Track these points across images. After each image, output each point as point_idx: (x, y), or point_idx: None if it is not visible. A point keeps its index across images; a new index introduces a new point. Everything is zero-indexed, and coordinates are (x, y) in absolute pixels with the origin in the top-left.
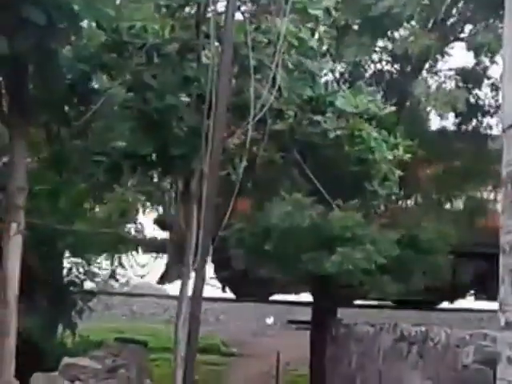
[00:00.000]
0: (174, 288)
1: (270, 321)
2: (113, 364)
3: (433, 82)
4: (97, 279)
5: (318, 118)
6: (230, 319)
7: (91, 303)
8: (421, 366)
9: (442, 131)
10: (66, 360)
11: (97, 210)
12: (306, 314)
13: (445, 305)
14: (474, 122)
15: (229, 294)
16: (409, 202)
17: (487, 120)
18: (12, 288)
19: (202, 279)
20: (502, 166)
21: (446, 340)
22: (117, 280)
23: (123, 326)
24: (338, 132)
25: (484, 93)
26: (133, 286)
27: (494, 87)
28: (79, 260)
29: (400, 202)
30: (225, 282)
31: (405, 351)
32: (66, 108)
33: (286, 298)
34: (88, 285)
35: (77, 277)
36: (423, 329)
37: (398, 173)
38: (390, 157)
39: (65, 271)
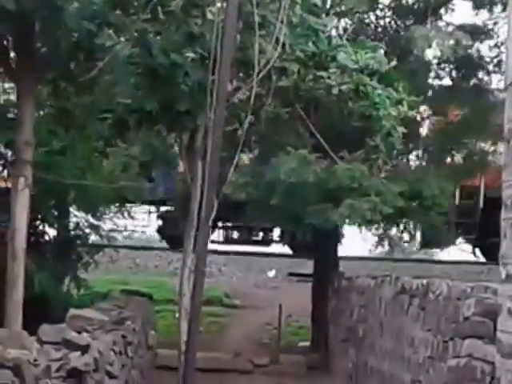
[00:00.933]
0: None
1: (271, 273)
2: (119, 316)
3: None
4: (102, 233)
5: (322, 73)
6: (232, 272)
7: (96, 256)
8: (422, 318)
9: (444, 87)
10: (73, 312)
11: (103, 165)
12: (307, 268)
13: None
14: (475, 77)
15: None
16: (410, 156)
17: (488, 76)
18: (20, 241)
19: (207, 232)
20: (505, 122)
21: (447, 292)
22: (121, 234)
23: (128, 278)
24: (342, 88)
25: (486, 48)
26: (136, 239)
27: (497, 44)
28: (84, 214)
29: (402, 157)
30: None
31: (406, 303)
32: (72, 64)
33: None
34: (93, 239)
35: (82, 231)
36: (424, 281)
37: (401, 129)
38: (394, 113)
39: (71, 225)
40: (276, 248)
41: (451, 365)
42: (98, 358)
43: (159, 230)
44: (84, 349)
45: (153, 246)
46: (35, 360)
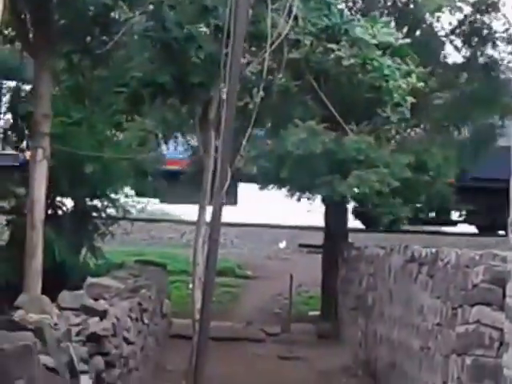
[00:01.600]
0: (186, 212)
1: (282, 245)
2: (135, 284)
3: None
4: (117, 205)
5: (333, 46)
6: (244, 243)
7: (111, 228)
8: (430, 285)
9: (453, 60)
10: (90, 280)
11: (118, 138)
12: (317, 239)
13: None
14: (484, 52)
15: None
16: (417, 129)
17: (496, 51)
18: (38, 211)
19: (221, 203)
20: None
21: (456, 260)
22: (135, 207)
23: (142, 250)
24: (352, 60)
25: (495, 23)
26: (149, 212)
27: (507, 20)
28: (102, 186)
29: (410, 129)
30: None
31: (415, 272)
32: (88, 38)
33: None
34: (108, 211)
35: (99, 202)
36: (433, 250)
37: (410, 100)
38: (404, 85)
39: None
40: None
41: (460, 331)
42: (115, 324)
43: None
44: (102, 314)
45: (167, 219)
46: (55, 324)
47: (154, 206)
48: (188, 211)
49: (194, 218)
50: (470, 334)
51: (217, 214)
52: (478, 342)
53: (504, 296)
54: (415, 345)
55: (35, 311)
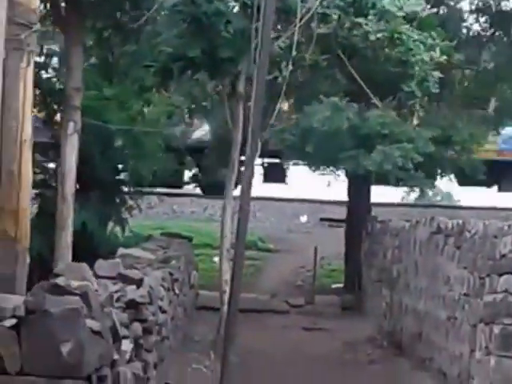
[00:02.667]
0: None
1: (303, 219)
2: (165, 255)
3: None
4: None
5: (360, 20)
6: (266, 217)
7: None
8: (457, 256)
9: (476, 36)
10: (122, 250)
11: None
12: (338, 213)
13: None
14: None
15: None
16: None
17: None
18: (69, 184)
19: (251, 173)
20: None
21: (484, 231)
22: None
23: (165, 224)
24: (379, 35)
25: None
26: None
27: None
28: (131, 159)
29: (434, 104)
30: None
31: (441, 243)
32: (119, 14)
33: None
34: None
35: (127, 176)
36: (460, 221)
37: (436, 74)
38: (427, 58)
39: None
40: None
41: (487, 300)
42: (151, 292)
43: (194, 178)
44: (139, 282)
45: (189, 193)
46: (96, 291)
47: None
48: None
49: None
50: (498, 303)
51: (247, 186)
52: (506, 310)
53: None
54: (442, 315)
55: (76, 278)
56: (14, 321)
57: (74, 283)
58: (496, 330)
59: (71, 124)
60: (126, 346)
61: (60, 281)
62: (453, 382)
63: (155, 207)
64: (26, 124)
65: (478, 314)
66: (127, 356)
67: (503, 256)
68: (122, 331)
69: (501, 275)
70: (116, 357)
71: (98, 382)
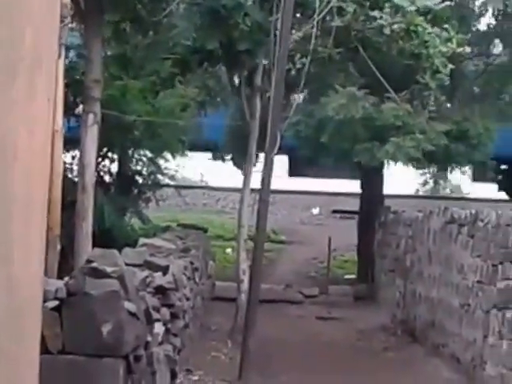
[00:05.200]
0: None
1: (315, 211)
2: (184, 245)
3: None
4: (162, 171)
5: (375, 13)
6: (278, 209)
7: (157, 193)
8: (471, 245)
9: (488, 29)
10: (143, 240)
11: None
12: (350, 204)
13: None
14: None
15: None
16: (455, 97)
17: None
18: (89, 175)
19: (271, 165)
20: None
21: (497, 220)
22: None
23: (178, 216)
24: (394, 27)
25: None
26: (179, 179)
27: None
28: (148, 152)
29: (447, 97)
30: None
31: (455, 232)
32: (139, 6)
33: (331, 188)
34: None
35: (144, 168)
36: (473, 211)
37: (450, 66)
38: (445, 49)
39: (134, 162)
40: None
41: (500, 287)
42: (177, 279)
43: None
44: (165, 269)
45: (202, 185)
46: None
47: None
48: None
49: (229, 184)
50: (511, 289)
51: (267, 177)
52: None
53: None
54: (455, 302)
55: (108, 264)
56: (56, 302)
57: (107, 269)
58: (508, 315)
59: (91, 115)
60: (158, 328)
61: (96, 265)
62: (466, 367)
63: (168, 199)
64: (58, 115)
65: (491, 300)
66: (159, 338)
67: None
68: (154, 315)
69: None
70: (149, 338)
71: (135, 362)
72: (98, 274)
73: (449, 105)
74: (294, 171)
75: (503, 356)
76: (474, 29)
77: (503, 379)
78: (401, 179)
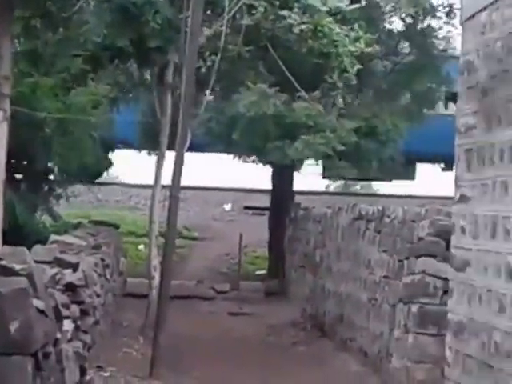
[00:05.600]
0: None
1: (227, 207)
2: (96, 242)
3: None
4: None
5: (285, 13)
6: (190, 205)
7: (68, 190)
8: (378, 240)
9: (393, 30)
10: (54, 237)
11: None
12: (261, 201)
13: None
14: (424, 23)
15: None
16: (363, 95)
17: (435, 21)
18: None
19: (181, 162)
20: (460, 56)
21: (403, 216)
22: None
23: (90, 212)
24: (303, 26)
25: None
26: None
27: None
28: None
29: (355, 95)
30: None
31: (363, 228)
32: (49, 2)
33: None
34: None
35: (54, 164)
36: (380, 207)
37: (357, 66)
38: (353, 49)
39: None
40: None
41: (406, 281)
42: (87, 276)
43: None
44: (75, 266)
45: (114, 182)
46: None
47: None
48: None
49: (142, 181)
50: (416, 283)
51: (177, 174)
52: (423, 290)
53: (447, 248)
54: (363, 297)
55: (17, 262)
56: None
57: (16, 266)
58: (414, 308)
59: (0, 113)
60: (68, 325)
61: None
62: (373, 360)
63: (80, 196)
64: None
65: (398, 294)
66: (68, 335)
67: (420, 239)
68: (64, 312)
69: (418, 257)
70: (58, 335)
71: (43, 359)
72: (7, 271)
73: (358, 103)
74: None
75: (408, 349)
76: (383, 29)
77: (408, 371)
78: (312, 176)
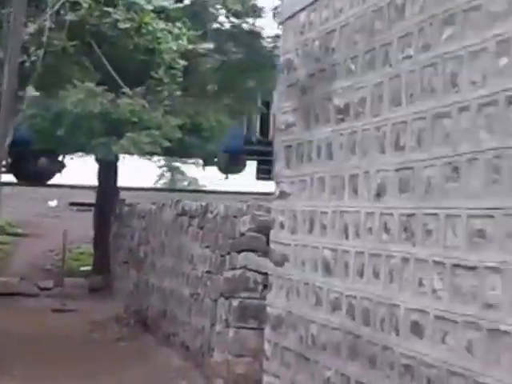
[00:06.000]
0: None
1: (53, 203)
2: None
3: None
4: None
5: (110, 9)
6: (13, 202)
7: None
8: (201, 236)
9: (221, 28)
10: None
11: None
12: (88, 197)
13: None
14: (250, 21)
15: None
16: (189, 92)
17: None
18: None
19: (2, 156)
20: (281, 54)
21: (225, 211)
22: None
23: None
24: (128, 24)
25: None
26: None
27: None
28: None
29: (181, 92)
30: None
31: (186, 224)
32: None
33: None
34: None
35: None
36: (204, 203)
37: (182, 63)
38: (175, 47)
39: None
40: None
41: (227, 276)
42: None
43: None
44: None
45: None
46: None
47: None
48: None
49: None
50: (237, 278)
51: None
52: (243, 285)
53: (268, 243)
54: (186, 292)
55: None
56: None
57: None
58: (234, 303)
59: None
60: None
61: None
62: (195, 354)
63: None
64: None
65: (219, 289)
66: None
67: (242, 234)
68: None
69: (239, 252)
70: None
71: None
72: None
73: (184, 99)
74: None
75: (229, 343)
76: (209, 27)
77: (229, 365)
78: (139, 172)
